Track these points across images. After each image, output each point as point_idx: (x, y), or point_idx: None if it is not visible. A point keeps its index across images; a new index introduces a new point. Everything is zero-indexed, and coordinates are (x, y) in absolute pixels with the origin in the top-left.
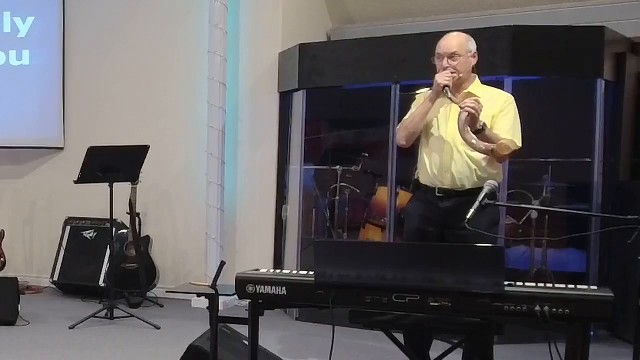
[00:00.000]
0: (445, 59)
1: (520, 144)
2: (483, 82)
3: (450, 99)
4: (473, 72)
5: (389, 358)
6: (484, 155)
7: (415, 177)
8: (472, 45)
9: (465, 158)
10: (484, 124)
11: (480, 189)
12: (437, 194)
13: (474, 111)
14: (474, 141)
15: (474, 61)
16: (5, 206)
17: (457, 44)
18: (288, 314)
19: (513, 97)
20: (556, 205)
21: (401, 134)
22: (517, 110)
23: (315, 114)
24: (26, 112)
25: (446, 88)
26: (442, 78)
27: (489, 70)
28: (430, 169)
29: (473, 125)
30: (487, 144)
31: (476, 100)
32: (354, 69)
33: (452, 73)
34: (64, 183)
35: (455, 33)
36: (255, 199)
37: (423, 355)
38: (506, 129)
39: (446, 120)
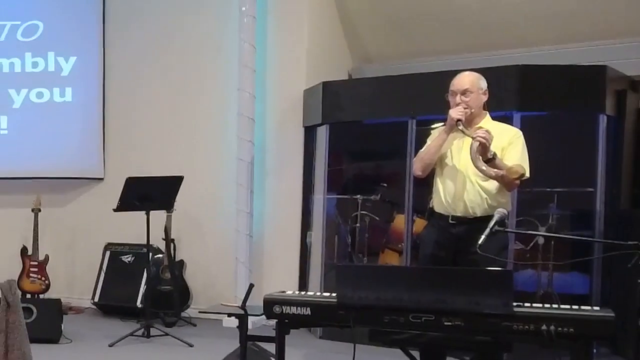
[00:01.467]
0: (458, 95)
1: (528, 174)
2: (493, 118)
3: (462, 131)
4: (484, 109)
5: None
6: (495, 185)
7: (430, 206)
8: (483, 83)
9: (477, 187)
10: (494, 153)
11: (491, 216)
12: (450, 221)
13: (484, 140)
14: (484, 167)
15: (484, 98)
16: (48, 233)
17: (469, 82)
18: (312, 333)
19: (521, 132)
20: (561, 231)
21: (417, 165)
22: (524, 143)
23: (337, 146)
24: (69, 145)
25: (459, 122)
26: (455, 112)
27: (498, 106)
28: (444, 197)
29: (484, 155)
30: (497, 170)
31: (487, 131)
32: (373, 105)
33: (464, 108)
34: (103, 211)
35: (467, 72)
36: (282, 225)
37: None
38: (515, 158)
39: (459, 152)
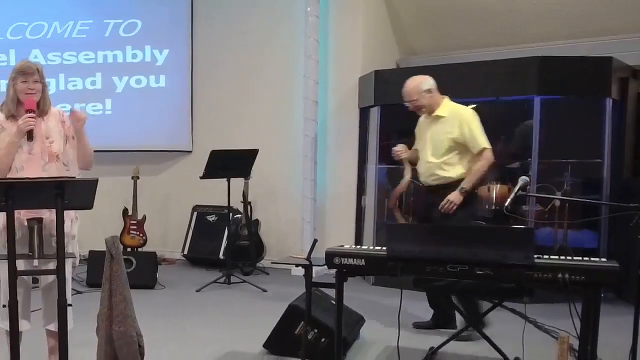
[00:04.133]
0: (409, 102)
1: (487, 145)
2: (515, 102)
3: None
4: (441, 96)
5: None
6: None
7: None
8: (426, 85)
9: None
10: (462, 188)
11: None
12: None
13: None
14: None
15: (431, 94)
16: (145, 197)
17: (410, 91)
18: (366, 280)
19: (472, 111)
20: (574, 195)
21: None
22: (478, 118)
23: (387, 124)
24: (162, 123)
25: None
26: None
27: (521, 91)
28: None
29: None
30: (474, 182)
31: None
32: None
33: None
34: (191, 178)
35: (409, 81)
36: (340, 191)
37: (473, 312)
38: (479, 141)
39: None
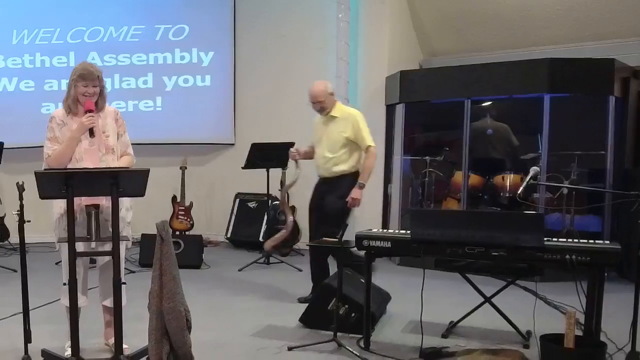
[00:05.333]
0: (316, 103)
1: (373, 143)
2: (527, 99)
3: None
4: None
5: (465, 292)
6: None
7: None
8: (330, 88)
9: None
10: (360, 184)
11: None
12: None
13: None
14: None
15: (332, 97)
16: (193, 185)
17: (318, 94)
18: (392, 261)
19: (360, 113)
20: (580, 184)
21: None
22: (363, 120)
23: (411, 120)
24: (207, 118)
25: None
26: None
27: (533, 89)
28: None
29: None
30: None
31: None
32: (438, 88)
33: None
34: (234, 168)
35: (316, 84)
36: (369, 179)
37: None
38: (367, 139)
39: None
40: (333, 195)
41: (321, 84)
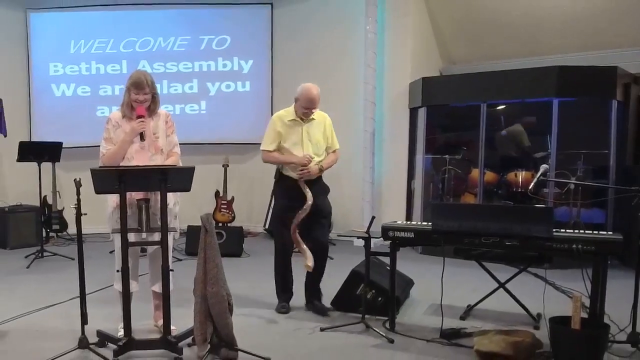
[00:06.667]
0: (313, 109)
1: (338, 145)
2: (537, 103)
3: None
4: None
5: (481, 278)
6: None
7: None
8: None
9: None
10: (321, 167)
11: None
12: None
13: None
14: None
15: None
16: (235, 181)
17: (318, 99)
18: (414, 250)
19: (327, 115)
20: (586, 180)
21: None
22: (331, 122)
23: (432, 122)
24: (247, 121)
25: (301, 180)
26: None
27: (543, 94)
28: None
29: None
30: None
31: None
32: (456, 93)
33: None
34: (271, 166)
35: (315, 90)
36: (394, 176)
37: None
38: (334, 143)
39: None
40: (323, 196)
41: (318, 89)
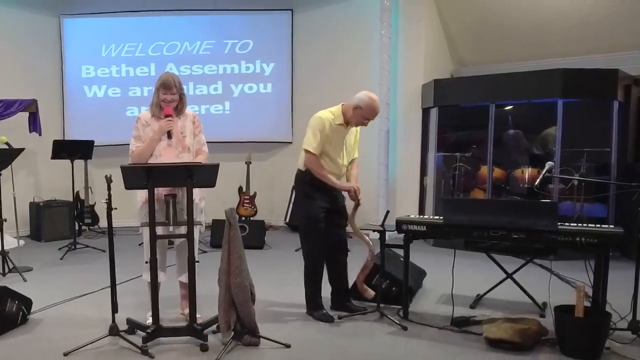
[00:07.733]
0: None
1: (357, 155)
2: (542, 104)
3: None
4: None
5: (489, 269)
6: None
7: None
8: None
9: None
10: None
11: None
12: None
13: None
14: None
15: None
16: (257, 178)
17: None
18: (426, 242)
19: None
20: (589, 176)
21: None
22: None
23: (443, 121)
24: (269, 120)
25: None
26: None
27: (548, 95)
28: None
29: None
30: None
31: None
32: (467, 94)
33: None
34: (292, 163)
35: (378, 103)
36: (407, 173)
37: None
38: (357, 150)
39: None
40: (342, 197)
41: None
